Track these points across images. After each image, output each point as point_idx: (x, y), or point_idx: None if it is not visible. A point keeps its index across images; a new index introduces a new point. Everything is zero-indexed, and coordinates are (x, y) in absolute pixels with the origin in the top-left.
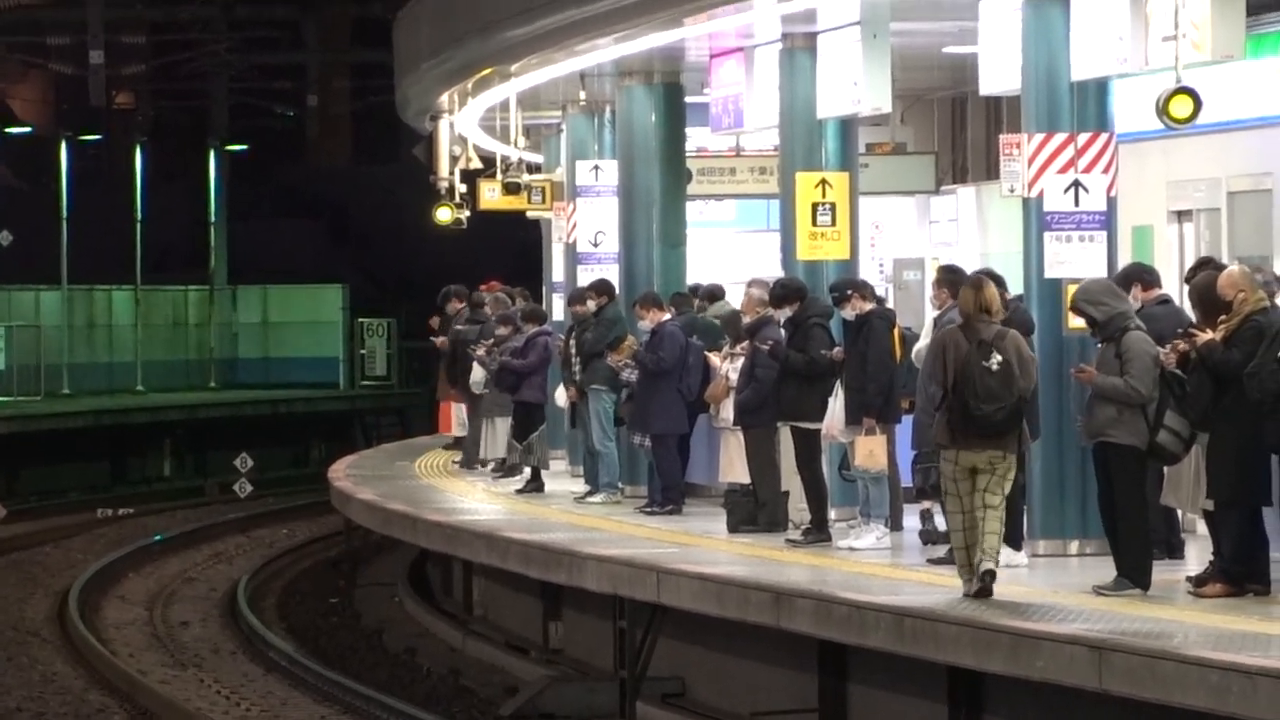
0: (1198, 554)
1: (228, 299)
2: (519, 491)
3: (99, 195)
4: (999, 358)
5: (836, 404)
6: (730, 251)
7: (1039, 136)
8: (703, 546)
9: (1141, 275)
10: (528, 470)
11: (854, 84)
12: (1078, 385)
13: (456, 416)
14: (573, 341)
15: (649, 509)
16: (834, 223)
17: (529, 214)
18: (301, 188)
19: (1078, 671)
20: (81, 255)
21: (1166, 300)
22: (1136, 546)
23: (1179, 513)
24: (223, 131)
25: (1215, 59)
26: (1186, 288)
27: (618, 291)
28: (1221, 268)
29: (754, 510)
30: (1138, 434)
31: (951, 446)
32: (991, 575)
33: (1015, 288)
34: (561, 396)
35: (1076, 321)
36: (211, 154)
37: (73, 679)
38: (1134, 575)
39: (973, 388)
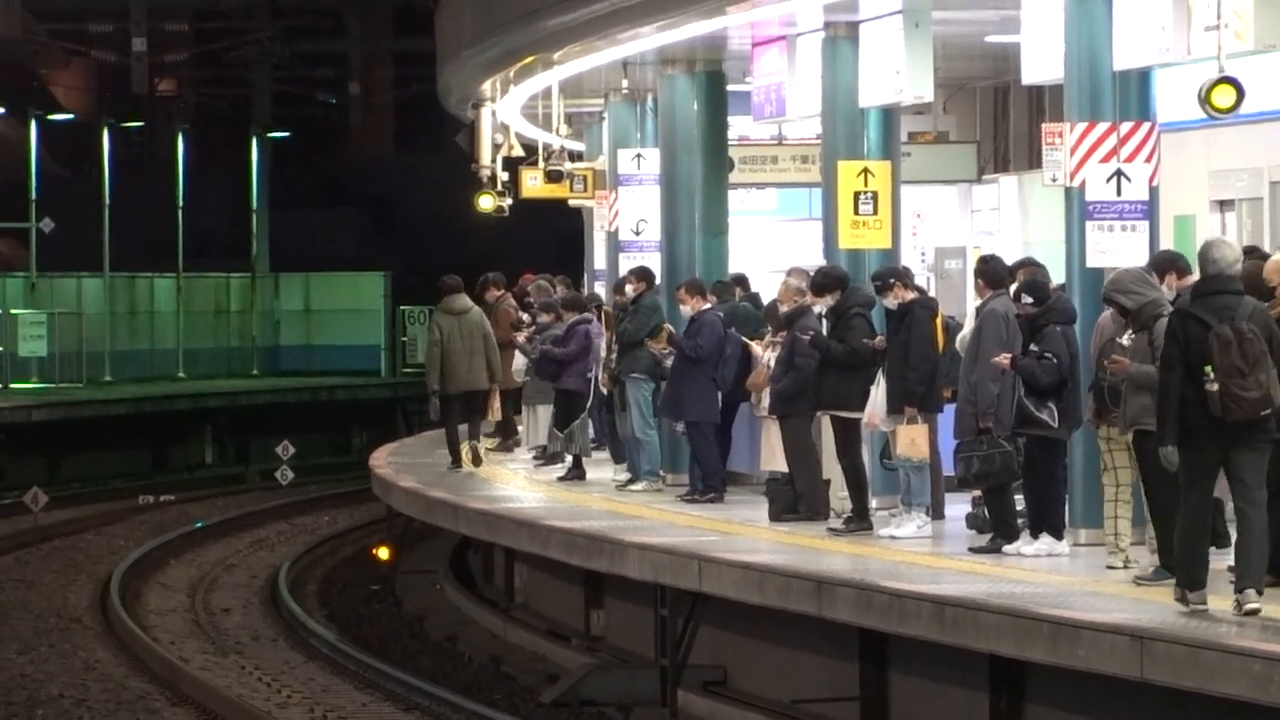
0: None
1: (270, 286)
2: (560, 479)
3: (141, 182)
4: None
5: (878, 393)
6: (772, 240)
7: (1081, 126)
8: (744, 535)
9: (1175, 263)
10: (569, 458)
11: (896, 73)
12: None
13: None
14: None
15: (690, 497)
16: (876, 211)
17: (571, 202)
18: (343, 176)
19: (1119, 661)
20: (123, 242)
21: None
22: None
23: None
24: (265, 119)
25: (1258, 49)
26: None
27: (659, 280)
28: (1265, 256)
29: (795, 499)
30: None
31: (1098, 422)
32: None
33: (1057, 277)
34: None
35: None
36: (254, 142)
37: (114, 666)
38: (1172, 566)
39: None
